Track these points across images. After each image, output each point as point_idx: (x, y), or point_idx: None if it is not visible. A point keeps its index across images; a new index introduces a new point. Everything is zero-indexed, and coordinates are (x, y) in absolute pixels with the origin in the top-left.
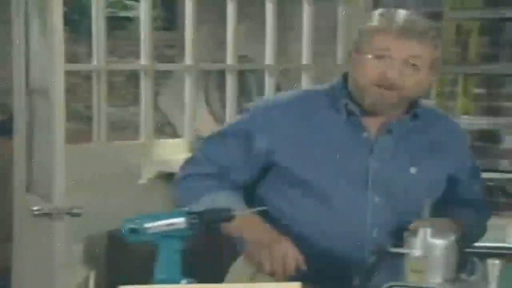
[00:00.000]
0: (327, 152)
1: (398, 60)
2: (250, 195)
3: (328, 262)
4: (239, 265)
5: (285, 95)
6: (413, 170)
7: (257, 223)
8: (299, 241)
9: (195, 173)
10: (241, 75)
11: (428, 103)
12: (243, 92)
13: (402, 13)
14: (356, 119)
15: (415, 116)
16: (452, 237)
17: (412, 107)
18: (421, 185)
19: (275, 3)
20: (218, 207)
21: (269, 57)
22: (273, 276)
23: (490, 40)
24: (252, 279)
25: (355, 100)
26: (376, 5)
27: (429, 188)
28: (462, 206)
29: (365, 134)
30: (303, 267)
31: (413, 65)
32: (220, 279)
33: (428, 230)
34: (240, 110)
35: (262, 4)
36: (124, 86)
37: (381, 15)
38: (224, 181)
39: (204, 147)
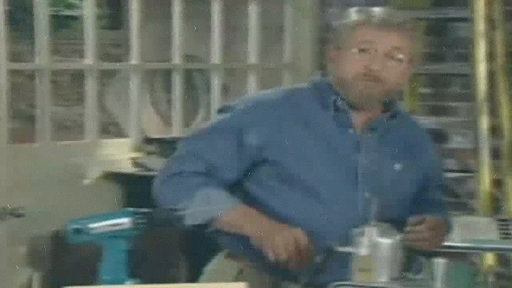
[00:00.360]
0: (317, 147)
1: (382, 52)
2: (236, 192)
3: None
4: (217, 265)
5: (271, 92)
6: (397, 167)
7: (256, 215)
8: None
9: (182, 171)
10: (188, 75)
11: None
12: (190, 92)
13: (378, 8)
14: (344, 115)
15: (394, 115)
16: (398, 236)
17: (390, 106)
18: (405, 182)
19: (221, 2)
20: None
21: (215, 57)
22: (286, 265)
23: (435, 40)
24: (237, 279)
25: (341, 96)
26: (323, 5)
27: (410, 185)
28: (432, 206)
29: (351, 131)
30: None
31: (396, 57)
32: (165, 278)
33: (375, 230)
34: (220, 108)
35: (209, 3)
36: (69, 86)
37: (359, 11)
38: (212, 178)
39: (189, 144)
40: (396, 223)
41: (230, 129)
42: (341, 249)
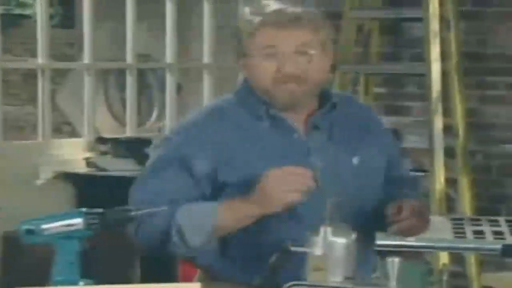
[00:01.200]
0: (267, 160)
1: (288, 52)
2: None
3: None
4: None
5: (199, 112)
6: (355, 160)
7: (238, 201)
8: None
9: (147, 216)
10: (142, 74)
11: None
12: (144, 92)
13: (270, 4)
14: (282, 122)
15: (333, 107)
16: (353, 236)
17: (325, 99)
18: (366, 174)
19: (175, 2)
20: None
21: (169, 56)
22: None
23: (390, 39)
24: None
25: (269, 103)
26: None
27: (372, 175)
28: (403, 186)
29: (295, 135)
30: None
31: (306, 53)
32: (120, 279)
33: (329, 229)
34: (155, 144)
35: (162, 3)
36: (21, 85)
37: (254, 13)
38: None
39: (140, 193)
40: (374, 215)
41: (175, 162)
42: (296, 249)
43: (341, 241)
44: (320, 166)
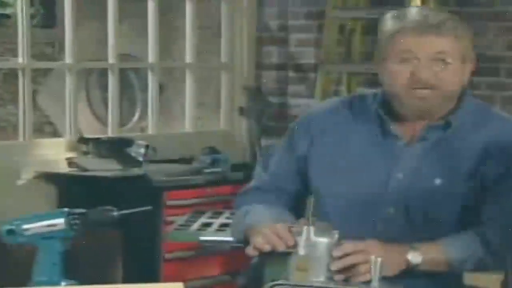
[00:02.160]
0: (351, 164)
1: (425, 59)
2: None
3: None
4: None
5: (333, 101)
6: (438, 181)
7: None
8: None
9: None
10: (124, 74)
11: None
12: (126, 91)
13: (413, 11)
14: (388, 127)
15: (448, 123)
16: (336, 236)
17: (449, 113)
18: (446, 198)
19: (157, 2)
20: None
21: (152, 56)
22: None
23: (373, 39)
24: None
25: (391, 107)
26: (260, 5)
27: (454, 201)
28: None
29: (399, 143)
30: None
31: (442, 60)
32: (102, 279)
33: (312, 229)
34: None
35: (145, 2)
36: (2, 85)
37: (394, 17)
38: (277, 193)
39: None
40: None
41: (285, 145)
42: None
43: (324, 241)
44: (398, 177)
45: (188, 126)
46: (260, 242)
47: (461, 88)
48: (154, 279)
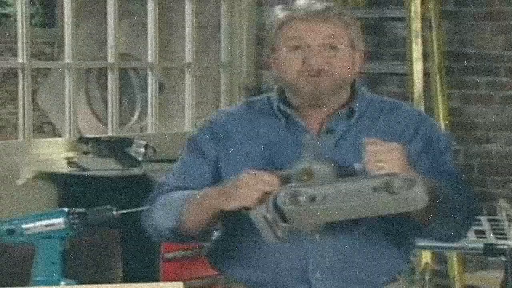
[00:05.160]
0: (263, 153)
1: (315, 45)
2: None
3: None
4: None
5: (235, 105)
6: (357, 165)
7: (212, 189)
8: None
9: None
10: (124, 74)
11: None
12: (126, 91)
13: (301, 1)
14: (292, 119)
15: (352, 110)
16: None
17: (349, 102)
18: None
19: (156, 1)
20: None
21: (151, 55)
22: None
23: (372, 39)
24: None
25: (290, 100)
26: (259, 4)
27: None
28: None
29: (308, 136)
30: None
31: (332, 46)
32: (101, 279)
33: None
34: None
35: (144, 2)
36: (1, 84)
37: (283, 8)
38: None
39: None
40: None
41: (194, 148)
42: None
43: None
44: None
45: (187, 125)
46: (247, 193)
47: (353, 76)
48: (154, 278)
